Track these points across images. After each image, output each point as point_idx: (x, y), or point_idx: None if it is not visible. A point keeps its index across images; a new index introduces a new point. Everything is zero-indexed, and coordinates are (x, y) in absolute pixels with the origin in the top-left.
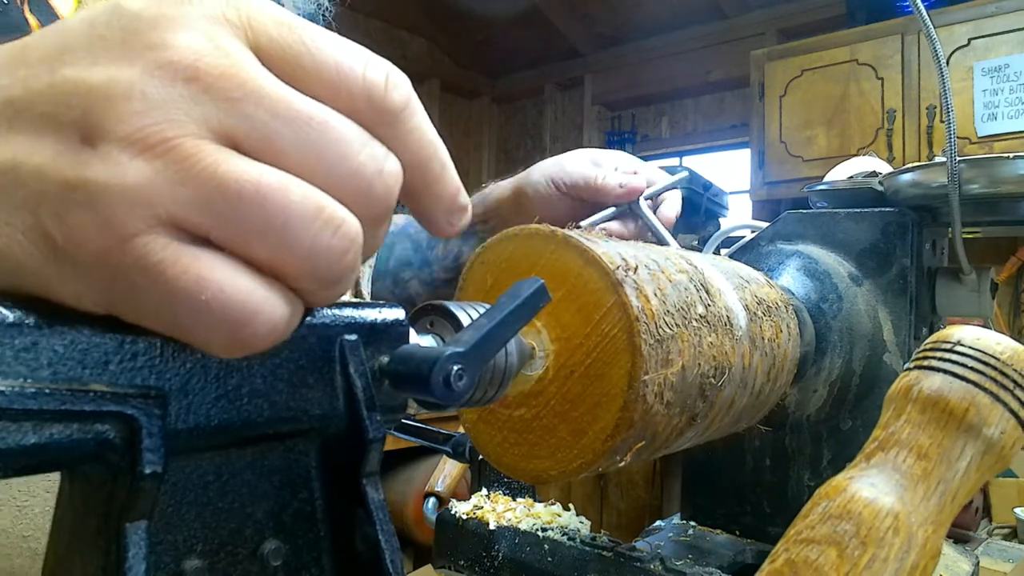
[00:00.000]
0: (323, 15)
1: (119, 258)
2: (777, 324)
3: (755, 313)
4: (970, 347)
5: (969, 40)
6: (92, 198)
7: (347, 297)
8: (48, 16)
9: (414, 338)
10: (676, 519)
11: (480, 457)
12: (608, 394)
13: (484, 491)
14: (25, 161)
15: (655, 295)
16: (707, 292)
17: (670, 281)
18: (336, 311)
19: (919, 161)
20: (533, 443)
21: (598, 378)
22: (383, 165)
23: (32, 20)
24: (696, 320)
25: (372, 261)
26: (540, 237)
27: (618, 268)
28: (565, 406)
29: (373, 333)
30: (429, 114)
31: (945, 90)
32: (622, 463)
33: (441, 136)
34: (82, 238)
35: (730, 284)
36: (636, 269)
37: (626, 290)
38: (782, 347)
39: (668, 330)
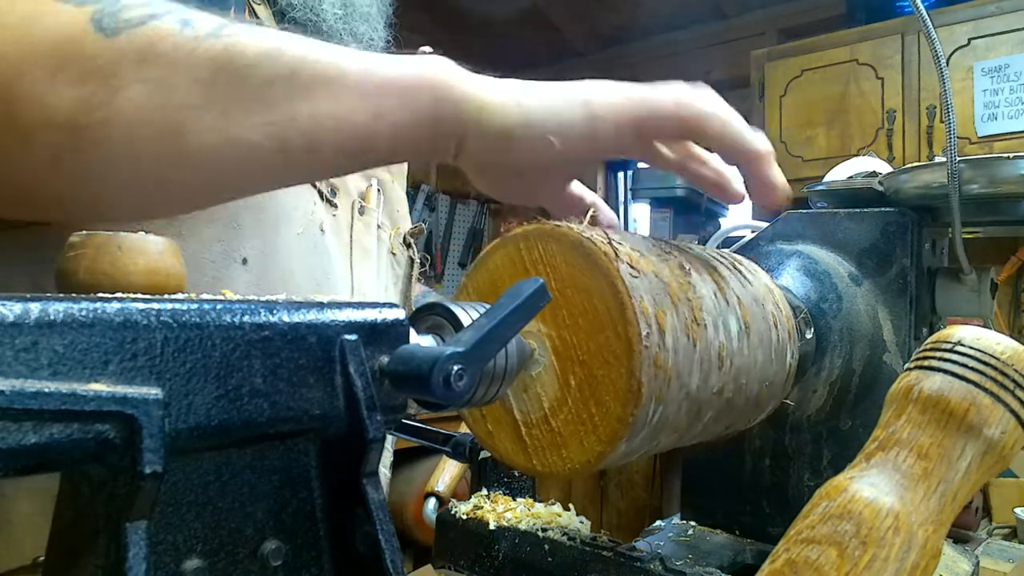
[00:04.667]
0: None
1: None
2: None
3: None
4: (970, 347)
5: (969, 40)
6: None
7: (395, 298)
8: None
9: (414, 338)
10: (676, 519)
11: (480, 457)
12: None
13: (484, 491)
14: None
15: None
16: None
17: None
18: (336, 311)
19: (919, 161)
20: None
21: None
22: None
23: None
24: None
25: (418, 276)
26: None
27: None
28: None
29: (373, 333)
30: None
31: (945, 90)
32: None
33: None
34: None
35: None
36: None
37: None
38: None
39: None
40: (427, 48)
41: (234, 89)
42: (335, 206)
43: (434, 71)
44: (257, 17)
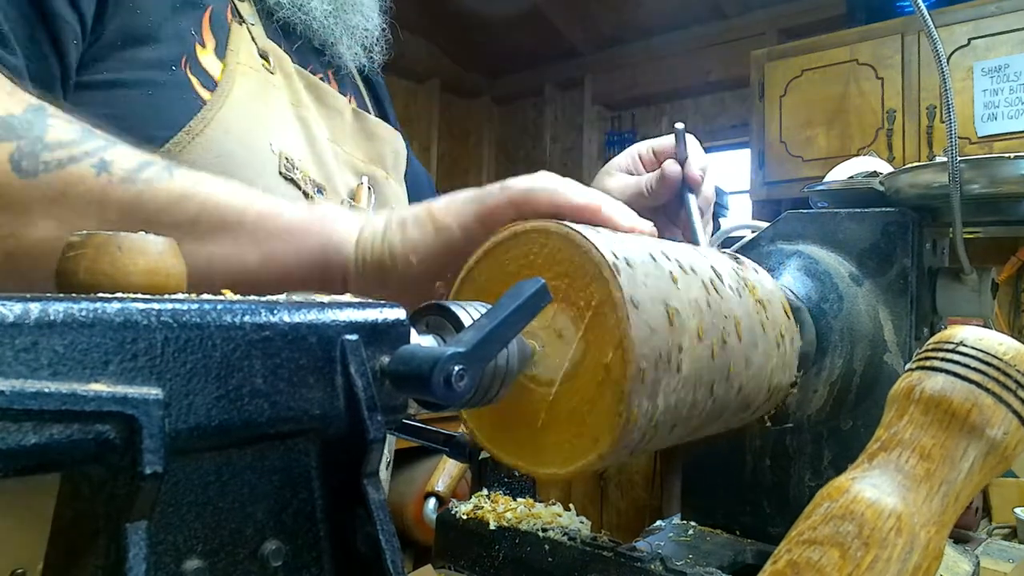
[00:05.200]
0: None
1: None
2: (768, 297)
3: (729, 270)
4: (972, 347)
5: (969, 40)
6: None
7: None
8: (204, 77)
9: (415, 338)
10: (676, 519)
11: (480, 457)
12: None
13: (484, 491)
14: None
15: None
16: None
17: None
18: (337, 311)
19: (919, 161)
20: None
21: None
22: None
23: (193, 80)
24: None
25: None
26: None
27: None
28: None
29: (374, 333)
30: (429, 114)
31: (946, 90)
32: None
33: (440, 136)
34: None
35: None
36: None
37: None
38: (783, 346)
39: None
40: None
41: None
42: None
43: (322, 219)
44: (240, 16)
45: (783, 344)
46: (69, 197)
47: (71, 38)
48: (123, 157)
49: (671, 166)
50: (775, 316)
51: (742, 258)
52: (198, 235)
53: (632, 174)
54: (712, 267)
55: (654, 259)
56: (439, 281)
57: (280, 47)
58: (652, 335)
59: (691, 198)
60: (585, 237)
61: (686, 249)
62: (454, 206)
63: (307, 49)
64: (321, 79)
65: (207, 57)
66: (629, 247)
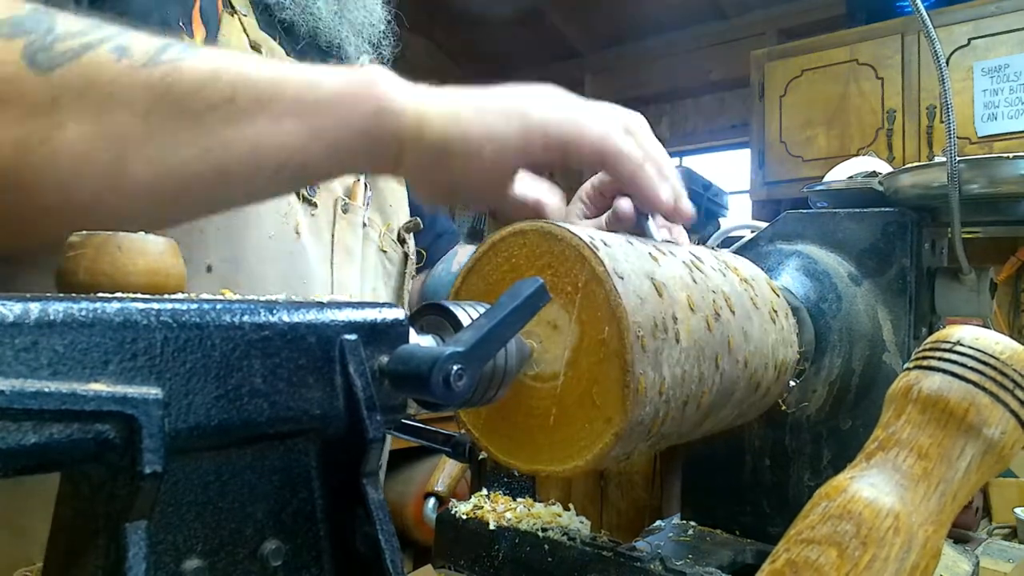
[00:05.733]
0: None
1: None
2: (753, 276)
3: (709, 255)
4: (970, 347)
5: (969, 40)
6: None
7: (385, 296)
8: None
9: (414, 338)
10: (676, 519)
11: (480, 457)
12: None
13: (484, 491)
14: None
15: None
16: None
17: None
18: (336, 311)
19: (919, 161)
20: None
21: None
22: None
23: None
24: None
25: (413, 271)
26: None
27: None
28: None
29: (373, 333)
30: None
31: (945, 90)
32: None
33: None
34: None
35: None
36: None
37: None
38: (778, 321)
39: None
40: None
41: (173, 118)
42: (314, 205)
43: (371, 84)
44: (231, 6)
45: (778, 319)
46: (94, 88)
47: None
48: (140, 40)
49: (621, 205)
50: (763, 293)
51: (723, 251)
52: (235, 116)
53: (589, 216)
54: (690, 252)
55: (631, 243)
56: (503, 187)
57: (275, 40)
58: (643, 304)
59: (649, 223)
60: (559, 226)
61: (665, 243)
62: (550, 117)
63: (309, 47)
64: None
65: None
66: (608, 236)
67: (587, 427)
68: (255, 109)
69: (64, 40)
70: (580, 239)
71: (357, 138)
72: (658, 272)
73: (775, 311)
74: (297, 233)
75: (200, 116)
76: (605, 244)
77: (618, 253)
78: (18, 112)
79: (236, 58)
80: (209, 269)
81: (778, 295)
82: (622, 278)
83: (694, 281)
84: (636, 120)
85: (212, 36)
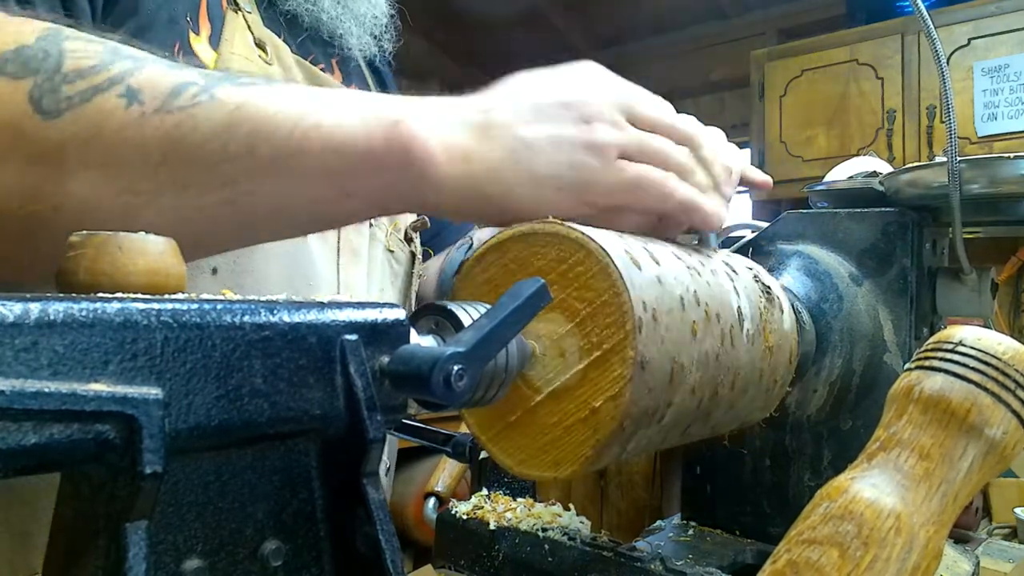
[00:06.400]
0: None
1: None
2: (778, 323)
3: (755, 311)
4: (971, 347)
5: (969, 40)
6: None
7: (392, 297)
8: (197, 65)
9: (415, 338)
10: (676, 519)
11: (480, 457)
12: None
13: (484, 491)
14: (559, 132)
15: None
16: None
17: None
18: (337, 311)
19: (919, 161)
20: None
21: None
22: (692, 165)
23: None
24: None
25: (422, 271)
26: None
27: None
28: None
29: (374, 333)
30: None
31: (946, 90)
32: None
33: None
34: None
35: (733, 282)
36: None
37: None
38: (772, 391)
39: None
40: None
41: (188, 169)
42: None
43: (400, 137)
44: (235, 3)
45: (773, 389)
46: (102, 137)
47: (85, 20)
48: (153, 82)
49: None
50: (776, 364)
51: (773, 289)
52: (257, 171)
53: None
54: (739, 310)
55: (683, 306)
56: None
57: (280, 37)
58: (648, 395)
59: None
60: (622, 278)
61: (722, 283)
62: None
63: (311, 39)
64: (323, 69)
65: (200, 45)
66: (665, 288)
67: (537, 453)
68: (277, 165)
69: (72, 82)
70: (632, 307)
71: (392, 194)
72: (685, 352)
73: (776, 381)
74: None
75: (216, 167)
76: (653, 319)
77: (660, 330)
78: (25, 159)
79: (257, 101)
80: (215, 271)
81: (792, 362)
82: (644, 368)
83: (716, 358)
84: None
85: (216, 33)
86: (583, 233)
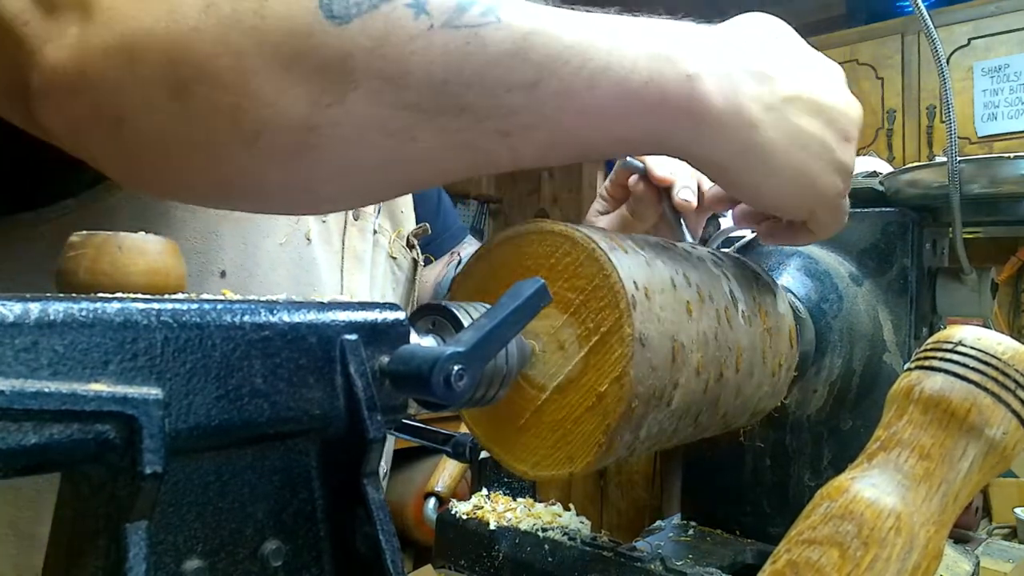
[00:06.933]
0: None
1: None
2: (772, 305)
3: (747, 294)
4: (971, 347)
5: (969, 40)
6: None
7: (393, 297)
8: None
9: (415, 338)
10: (676, 519)
11: (480, 457)
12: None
13: (484, 491)
14: (814, 131)
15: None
16: (710, 292)
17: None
18: (337, 311)
19: (919, 161)
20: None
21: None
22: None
23: None
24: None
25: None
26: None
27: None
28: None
29: (374, 333)
30: None
31: (946, 90)
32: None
33: None
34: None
35: (720, 267)
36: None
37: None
38: (778, 375)
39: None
40: None
41: (470, 91)
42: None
43: (690, 95)
44: None
45: (779, 373)
46: (389, 47)
47: None
48: None
49: (634, 183)
50: (778, 345)
51: (763, 274)
52: (536, 105)
53: (610, 211)
54: (730, 291)
55: (674, 286)
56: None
57: None
58: (652, 373)
59: (666, 202)
60: (609, 259)
61: (710, 268)
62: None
63: None
64: None
65: None
66: (654, 270)
67: (550, 451)
68: (561, 102)
69: None
70: (623, 286)
71: (666, 145)
72: (684, 331)
73: (780, 364)
74: (308, 240)
75: (498, 95)
76: (646, 297)
77: (655, 308)
78: (313, 68)
79: (543, 27)
80: (223, 275)
81: (793, 346)
82: (644, 345)
83: (715, 337)
84: None
85: None
86: (566, 226)
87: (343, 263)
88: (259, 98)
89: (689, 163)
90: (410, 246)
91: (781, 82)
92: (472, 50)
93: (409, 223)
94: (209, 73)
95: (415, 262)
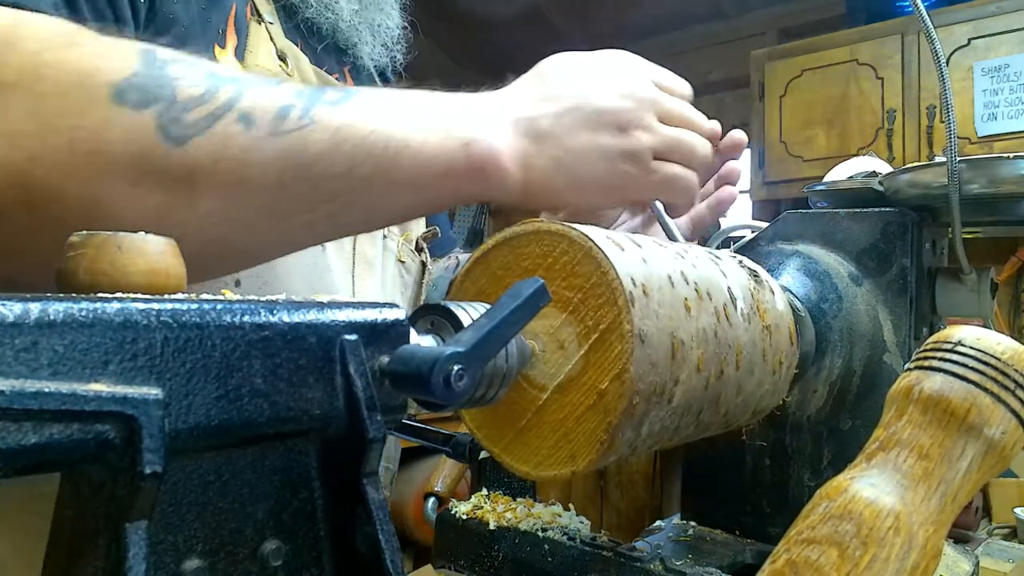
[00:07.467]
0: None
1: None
2: (770, 303)
3: (746, 292)
4: (971, 347)
5: (969, 40)
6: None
7: (400, 300)
8: None
9: (415, 338)
10: (676, 519)
11: (480, 457)
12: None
13: (484, 491)
14: (587, 141)
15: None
16: (707, 292)
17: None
18: (336, 311)
19: (919, 161)
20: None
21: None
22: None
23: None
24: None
25: (432, 280)
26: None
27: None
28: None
29: (373, 333)
30: None
31: (945, 90)
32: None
33: None
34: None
35: (717, 265)
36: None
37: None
38: (778, 373)
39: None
40: None
41: (299, 186)
42: None
43: (481, 156)
44: (259, 13)
45: (779, 371)
46: (226, 161)
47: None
48: (260, 105)
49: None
50: (778, 343)
51: (760, 273)
52: (354, 185)
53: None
54: (728, 289)
55: (672, 284)
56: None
57: (298, 46)
58: (652, 370)
59: (656, 203)
60: (607, 256)
61: (708, 267)
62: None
63: (325, 49)
64: (337, 78)
65: (225, 58)
66: (652, 267)
67: (552, 450)
68: (374, 180)
69: (191, 110)
70: (621, 282)
71: (469, 198)
72: (683, 328)
73: (781, 362)
74: (322, 248)
75: (321, 185)
76: (644, 294)
77: (653, 305)
78: (157, 185)
79: (350, 121)
80: (238, 284)
81: (793, 343)
82: (643, 341)
83: (715, 335)
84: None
85: (242, 45)
86: (563, 225)
87: (354, 268)
88: (110, 209)
89: (502, 207)
90: (418, 249)
91: (547, 117)
92: (297, 152)
93: (417, 227)
94: (56, 197)
95: (423, 265)
